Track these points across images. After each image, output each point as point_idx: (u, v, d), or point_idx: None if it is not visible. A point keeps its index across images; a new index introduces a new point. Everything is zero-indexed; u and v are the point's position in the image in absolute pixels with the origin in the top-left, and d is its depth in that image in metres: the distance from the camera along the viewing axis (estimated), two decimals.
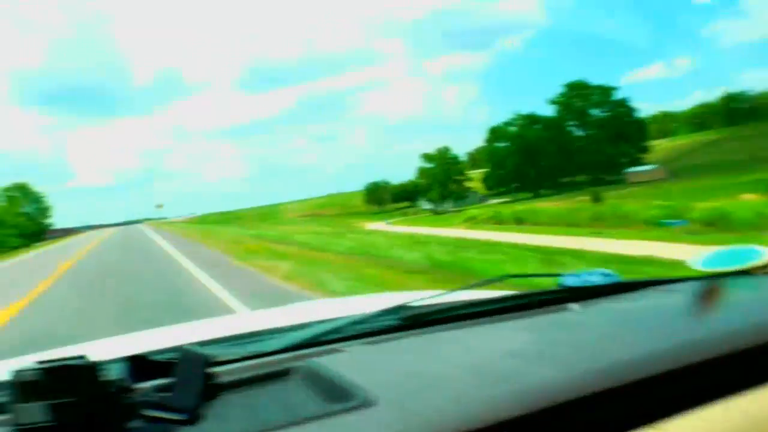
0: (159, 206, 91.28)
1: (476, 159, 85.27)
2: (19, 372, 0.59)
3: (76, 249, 28.53)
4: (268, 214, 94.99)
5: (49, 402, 0.57)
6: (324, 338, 0.91)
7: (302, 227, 36.18)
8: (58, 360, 0.59)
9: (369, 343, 0.90)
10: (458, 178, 71.31)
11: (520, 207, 34.84)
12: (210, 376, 0.73)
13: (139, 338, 1.54)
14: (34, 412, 0.58)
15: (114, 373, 0.65)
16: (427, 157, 73.62)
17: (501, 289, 1.38)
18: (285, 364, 0.80)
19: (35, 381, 0.59)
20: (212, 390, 0.71)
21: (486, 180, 71.66)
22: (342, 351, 0.86)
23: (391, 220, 50.79)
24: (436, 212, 59.40)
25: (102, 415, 0.59)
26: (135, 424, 0.63)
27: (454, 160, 73.09)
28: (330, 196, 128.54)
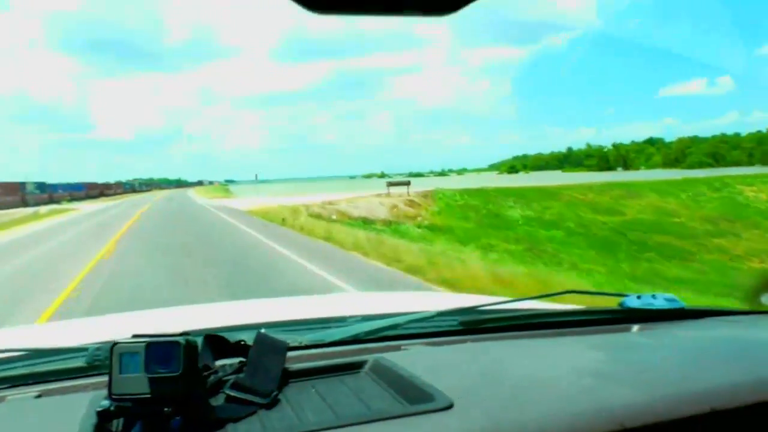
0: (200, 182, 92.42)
1: None
2: (119, 344, 0.60)
3: None
4: None
5: (149, 375, 0.58)
6: (387, 333, 0.93)
7: None
8: (161, 335, 0.60)
9: (431, 344, 0.90)
10: None
11: None
12: (284, 361, 0.73)
13: (200, 312, 1.58)
14: (133, 383, 0.58)
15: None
16: None
17: (561, 302, 1.36)
18: (353, 356, 0.81)
19: (135, 353, 0.59)
20: (287, 376, 0.72)
21: None
22: (406, 348, 0.87)
23: None
24: None
25: (194, 391, 0.60)
26: (217, 402, 0.65)
27: None
28: None
